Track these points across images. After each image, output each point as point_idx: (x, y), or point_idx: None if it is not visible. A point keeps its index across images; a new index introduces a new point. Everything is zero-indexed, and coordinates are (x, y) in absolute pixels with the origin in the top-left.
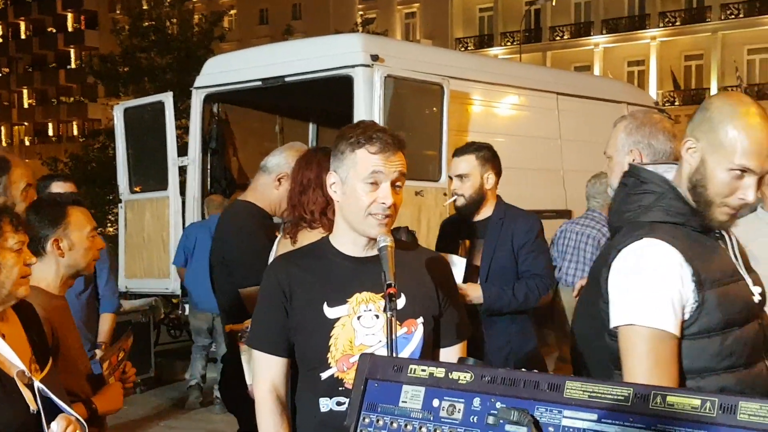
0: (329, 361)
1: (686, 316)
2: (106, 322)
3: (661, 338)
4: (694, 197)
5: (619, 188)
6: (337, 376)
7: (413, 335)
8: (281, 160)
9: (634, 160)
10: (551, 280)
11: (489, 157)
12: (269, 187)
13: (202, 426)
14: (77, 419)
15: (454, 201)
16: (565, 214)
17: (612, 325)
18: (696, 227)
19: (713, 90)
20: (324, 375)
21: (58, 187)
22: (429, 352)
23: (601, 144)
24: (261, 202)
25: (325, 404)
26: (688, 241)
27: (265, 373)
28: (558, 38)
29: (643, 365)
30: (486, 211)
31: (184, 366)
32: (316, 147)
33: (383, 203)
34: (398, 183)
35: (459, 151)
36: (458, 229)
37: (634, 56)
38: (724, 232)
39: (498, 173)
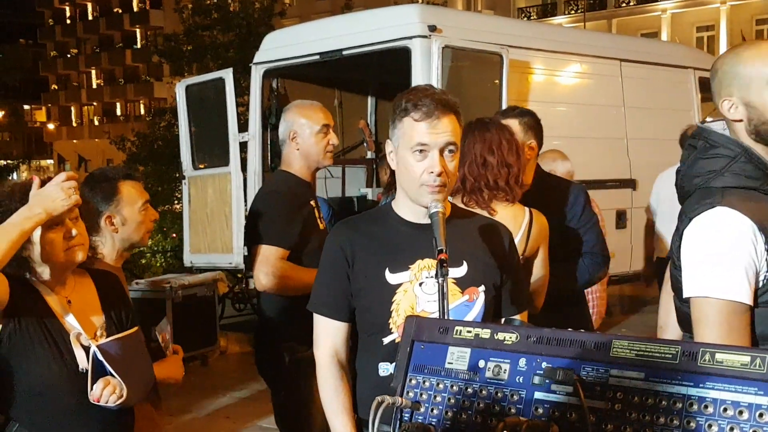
0: (391, 327)
1: (760, 284)
2: None
3: (734, 310)
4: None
5: (688, 150)
6: (399, 341)
7: (475, 303)
8: (284, 124)
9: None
10: (605, 257)
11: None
12: (291, 152)
13: (268, 396)
14: (119, 383)
15: None
16: (629, 183)
17: (685, 295)
18: None
19: None
20: (386, 340)
21: None
22: (490, 321)
23: (667, 110)
24: (292, 169)
25: (385, 368)
26: (762, 206)
27: (326, 337)
28: (624, 5)
29: (715, 335)
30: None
31: (250, 339)
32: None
33: (432, 172)
34: (449, 149)
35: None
36: None
37: (703, 21)
38: None
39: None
